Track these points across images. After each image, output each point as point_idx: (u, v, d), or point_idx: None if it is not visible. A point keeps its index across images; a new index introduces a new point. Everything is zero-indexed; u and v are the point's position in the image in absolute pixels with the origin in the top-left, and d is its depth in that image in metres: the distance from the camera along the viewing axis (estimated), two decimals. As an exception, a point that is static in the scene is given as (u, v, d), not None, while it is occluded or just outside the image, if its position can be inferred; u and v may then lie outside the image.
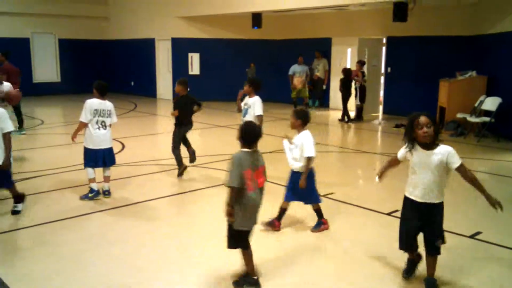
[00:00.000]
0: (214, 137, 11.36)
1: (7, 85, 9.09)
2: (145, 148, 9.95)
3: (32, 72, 19.21)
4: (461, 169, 3.60)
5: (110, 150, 6.32)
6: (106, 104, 6.23)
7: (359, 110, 13.75)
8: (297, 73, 14.84)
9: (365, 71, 13.81)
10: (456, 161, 3.59)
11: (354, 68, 13.82)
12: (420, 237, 3.89)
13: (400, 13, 11.89)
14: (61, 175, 7.31)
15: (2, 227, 5.24)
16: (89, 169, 6.19)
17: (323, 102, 15.97)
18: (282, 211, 5.20)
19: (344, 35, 15.65)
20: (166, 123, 14.15)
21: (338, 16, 15.42)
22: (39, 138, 11.03)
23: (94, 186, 6.21)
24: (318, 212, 5.27)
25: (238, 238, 3.76)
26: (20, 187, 6.12)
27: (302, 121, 5.06)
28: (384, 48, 14.87)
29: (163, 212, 5.88)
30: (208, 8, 16.23)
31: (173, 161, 7.56)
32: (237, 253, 3.89)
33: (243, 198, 3.63)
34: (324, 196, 6.37)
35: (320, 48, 15.80)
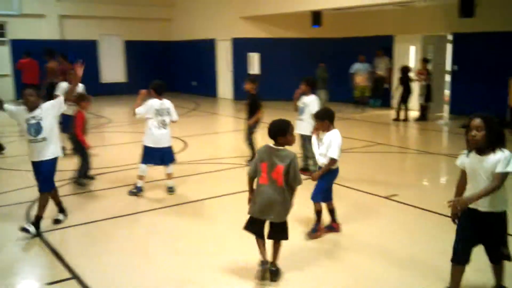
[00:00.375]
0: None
1: (81, 86, 9.37)
2: (207, 146, 10.16)
3: (99, 73, 20.07)
4: (499, 176, 3.24)
5: (169, 149, 6.49)
6: (165, 103, 6.37)
7: (424, 109, 13.32)
8: (360, 71, 14.63)
9: (429, 69, 13.38)
10: (502, 166, 3.24)
11: (418, 66, 13.43)
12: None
13: (466, 8, 11.45)
14: (127, 171, 7.60)
15: (74, 220, 5.53)
16: (143, 166, 6.40)
17: (385, 101, 15.63)
18: (318, 213, 5.02)
19: (407, 32, 15.24)
20: (226, 122, 14.42)
21: (401, 13, 15.04)
22: (108, 136, 11.50)
23: (140, 183, 6.43)
24: (332, 212, 5.12)
25: (249, 223, 4.02)
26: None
27: (328, 120, 4.95)
28: (449, 45, 14.35)
29: (225, 210, 5.99)
30: (269, 8, 16.29)
31: (235, 160, 7.68)
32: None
33: (256, 188, 3.97)
34: (387, 198, 6.29)
35: (382, 46, 15.49)
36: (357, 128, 12.21)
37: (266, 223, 4.01)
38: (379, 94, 15.56)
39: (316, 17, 15.45)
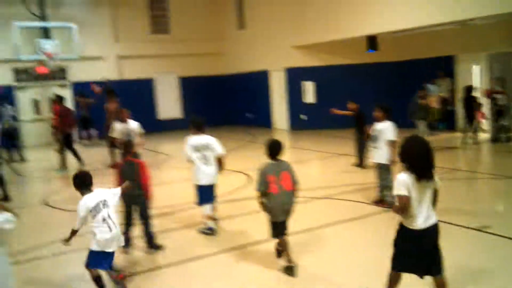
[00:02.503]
0: (332, 167, 10.96)
1: (136, 125, 9.33)
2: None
3: (156, 110, 20.42)
4: None
5: (212, 187, 6.23)
6: (205, 139, 6.17)
7: (502, 130, 12.56)
8: (433, 92, 14.03)
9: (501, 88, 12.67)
10: None
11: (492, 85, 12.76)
12: None
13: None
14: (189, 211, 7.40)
15: (150, 263, 5.34)
16: (205, 205, 6.20)
17: (450, 124, 14.92)
18: None
19: (469, 51, 14.62)
20: (287, 154, 14.11)
21: (461, 32, 14.44)
22: (168, 173, 11.45)
23: (210, 223, 6.22)
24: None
25: (273, 228, 4.88)
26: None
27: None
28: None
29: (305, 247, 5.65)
30: (321, 35, 16.10)
31: (309, 193, 7.36)
32: None
33: (270, 197, 4.76)
34: (478, 230, 5.77)
35: (442, 67, 14.91)
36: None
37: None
38: (443, 117, 14.89)
39: (372, 41, 15.10)
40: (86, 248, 4.55)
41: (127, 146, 5.83)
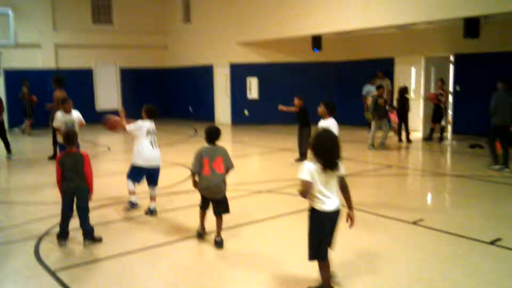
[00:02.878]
0: (275, 161, 11.09)
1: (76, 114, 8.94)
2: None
3: (95, 101, 19.78)
4: None
5: (158, 169, 6.77)
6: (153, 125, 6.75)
7: (432, 130, 13.19)
8: (371, 93, 14.46)
9: (447, 89, 13.30)
10: None
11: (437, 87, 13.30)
12: None
13: (471, 29, 11.38)
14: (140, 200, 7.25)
15: (88, 256, 5.17)
16: (130, 182, 6.70)
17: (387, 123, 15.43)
18: None
19: (408, 54, 15.21)
20: (230, 148, 14.09)
21: (401, 35, 15.03)
22: (106, 165, 11.15)
23: (133, 199, 6.79)
24: None
25: (202, 202, 5.55)
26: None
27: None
28: (452, 66, 14.30)
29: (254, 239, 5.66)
30: (267, 33, 16.21)
31: (251, 187, 7.37)
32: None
33: (202, 178, 5.35)
34: (414, 223, 6.00)
35: (383, 69, 15.41)
36: (363, 151, 11.96)
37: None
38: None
39: (317, 41, 15.37)
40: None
41: (70, 136, 5.58)
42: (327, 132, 4.07)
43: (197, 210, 5.66)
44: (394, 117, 13.54)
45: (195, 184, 5.46)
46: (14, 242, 5.71)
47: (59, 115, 8.67)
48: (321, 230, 3.98)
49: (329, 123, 6.84)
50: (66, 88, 11.76)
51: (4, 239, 5.82)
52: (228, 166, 5.41)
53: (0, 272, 4.89)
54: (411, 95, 13.74)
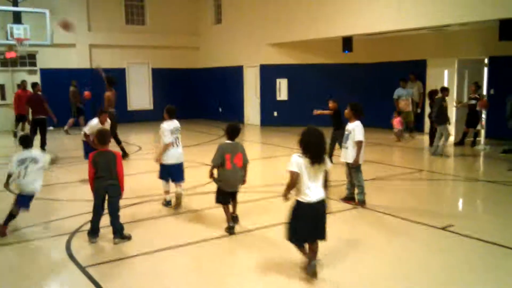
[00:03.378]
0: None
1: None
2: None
3: (127, 101, 20.14)
4: None
5: (182, 166, 7.06)
6: (177, 123, 7.03)
7: (464, 134, 12.82)
8: (403, 96, 14.26)
9: (482, 93, 12.94)
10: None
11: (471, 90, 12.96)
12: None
13: (507, 31, 11.10)
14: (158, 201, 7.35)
15: (118, 253, 5.28)
16: (163, 182, 7.03)
17: (418, 126, 15.21)
18: None
19: (440, 56, 14.94)
20: (255, 149, 14.12)
21: (434, 37, 14.77)
22: (139, 164, 11.32)
23: (168, 197, 7.07)
24: None
25: (221, 195, 5.86)
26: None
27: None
28: (486, 69, 13.99)
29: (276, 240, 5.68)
30: (298, 34, 16.19)
31: (265, 188, 7.38)
32: None
33: (224, 171, 5.70)
34: (443, 229, 5.91)
35: (415, 71, 15.20)
36: (392, 155, 11.81)
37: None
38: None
39: (347, 42, 15.27)
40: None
41: (103, 136, 5.69)
42: (314, 128, 4.37)
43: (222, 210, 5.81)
44: (396, 122, 13.60)
45: (212, 175, 5.81)
46: (47, 237, 5.88)
47: (94, 123, 8.76)
48: (301, 221, 4.34)
49: (354, 126, 6.77)
50: (103, 88, 12.01)
51: (37, 235, 6.00)
52: (245, 161, 5.84)
53: (33, 267, 5.05)
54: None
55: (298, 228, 4.38)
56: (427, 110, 13.87)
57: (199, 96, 21.53)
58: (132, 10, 20.31)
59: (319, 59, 17.31)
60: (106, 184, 5.46)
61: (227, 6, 19.79)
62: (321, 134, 4.33)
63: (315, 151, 4.26)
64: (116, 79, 12.42)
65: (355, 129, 6.73)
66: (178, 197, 6.91)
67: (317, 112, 10.64)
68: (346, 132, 6.92)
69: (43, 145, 11.98)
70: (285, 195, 4.40)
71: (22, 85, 15.31)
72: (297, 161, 4.28)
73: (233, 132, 5.80)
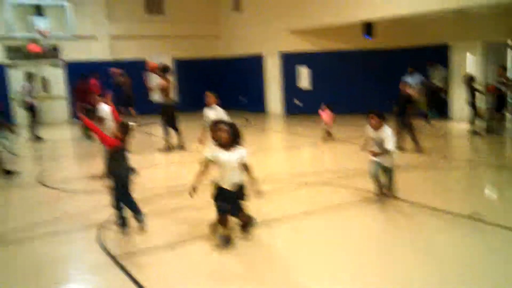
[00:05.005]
0: (335, 152, 11.03)
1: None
2: (265, 164, 9.88)
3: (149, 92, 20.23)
4: None
5: None
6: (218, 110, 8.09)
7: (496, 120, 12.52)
8: (411, 84, 14.04)
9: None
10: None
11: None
12: None
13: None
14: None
15: (148, 243, 5.38)
16: None
17: (444, 112, 14.98)
18: None
19: (464, 39, 14.64)
20: (280, 139, 14.11)
21: (457, 20, 14.46)
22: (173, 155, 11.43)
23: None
24: None
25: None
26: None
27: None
28: (510, 52, 13.69)
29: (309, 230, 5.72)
30: (317, 20, 16.02)
31: (294, 178, 7.38)
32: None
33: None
34: (469, 217, 5.86)
35: (436, 55, 14.93)
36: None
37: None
38: (436, 106, 14.92)
39: (368, 27, 15.08)
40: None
41: (126, 127, 5.71)
42: (223, 121, 5.31)
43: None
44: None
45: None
46: (78, 229, 6.03)
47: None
48: (220, 201, 5.08)
49: (386, 135, 6.43)
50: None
51: (69, 226, 6.15)
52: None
53: (65, 258, 5.19)
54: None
55: (221, 204, 5.17)
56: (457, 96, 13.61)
57: (220, 85, 21.51)
58: (152, 0, 20.37)
59: (340, 45, 17.13)
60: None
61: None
62: (233, 125, 5.21)
63: (225, 142, 5.08)
64: (169, 67, 12.17)
65: (387, 137, 6.44)
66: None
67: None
68: (375, 139, 6.58)
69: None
70: None
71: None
72: (213, 149, 5.27)
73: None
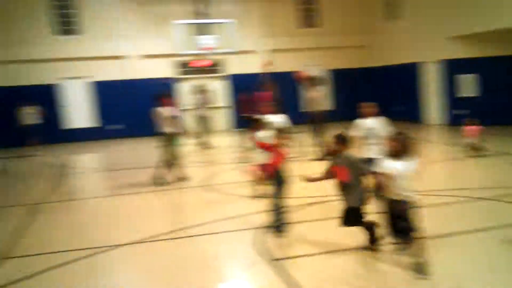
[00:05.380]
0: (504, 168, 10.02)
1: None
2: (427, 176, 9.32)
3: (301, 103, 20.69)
4: None
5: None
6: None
7: None
8: None
9: None
10: None
11: None
12: None
13: None
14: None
15: (299, 249, 5.47)
16: None
17: None
18: None
19: None
20: (443, 151, 13.23)
21: None
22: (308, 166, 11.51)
23: None
24: None
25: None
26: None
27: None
28: None
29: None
30: (483, 24, 14.81)
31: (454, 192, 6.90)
32: None
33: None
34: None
35: None
36: None
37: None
38: None
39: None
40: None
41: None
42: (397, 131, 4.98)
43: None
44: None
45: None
46: (237, 230, 6.40)
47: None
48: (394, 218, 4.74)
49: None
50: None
51: (229, 228, 6.57)
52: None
53: (223, 258, 5.52)
54: None
55: None
56: None
57: (373, 95, 21.02)
58: (305, 14, 21.03)
59: (508, 51, 15.62)
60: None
61: (399, 1, 19.09)
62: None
63: None
64: (317, 78, 12.53)
65: None
66: None
67: None
68: None
69: None
70: None
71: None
72: None
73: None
